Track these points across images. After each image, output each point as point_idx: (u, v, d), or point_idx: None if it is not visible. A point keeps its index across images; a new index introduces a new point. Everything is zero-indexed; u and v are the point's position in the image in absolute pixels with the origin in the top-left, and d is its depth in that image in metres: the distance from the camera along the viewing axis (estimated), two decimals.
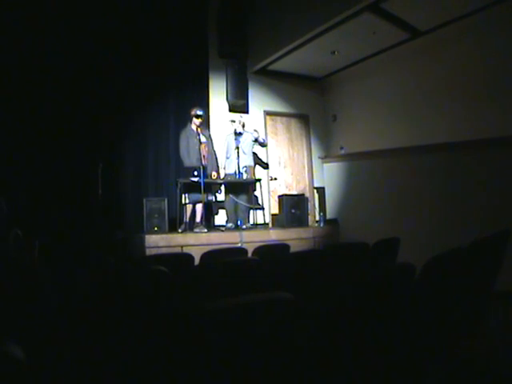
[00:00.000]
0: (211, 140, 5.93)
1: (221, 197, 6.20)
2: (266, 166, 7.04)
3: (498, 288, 2.13)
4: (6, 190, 4.52)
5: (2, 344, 0.67)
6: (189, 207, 5.60)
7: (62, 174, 5.25)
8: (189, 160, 5.52)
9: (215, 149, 6.01)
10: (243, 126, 6.02)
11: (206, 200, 5.47)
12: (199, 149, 5.53)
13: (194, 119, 5.63)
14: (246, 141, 5.96)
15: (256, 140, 5.99)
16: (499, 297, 2.34)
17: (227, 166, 5.98)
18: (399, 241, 2.94)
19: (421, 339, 1.45)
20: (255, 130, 6.08)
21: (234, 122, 6.03)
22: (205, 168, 5.41)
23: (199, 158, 5.49)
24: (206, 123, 6.18)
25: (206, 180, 5.33)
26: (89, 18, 5.51)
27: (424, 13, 5.22)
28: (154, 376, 1.31)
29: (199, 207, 5.55)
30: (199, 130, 5.61)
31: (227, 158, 5.98)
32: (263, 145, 6.28)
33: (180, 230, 5.36)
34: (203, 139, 5.63)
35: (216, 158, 5.93)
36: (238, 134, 5.93)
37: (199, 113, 5.65)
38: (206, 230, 5.26)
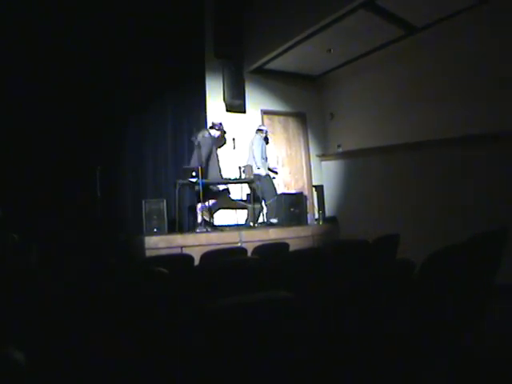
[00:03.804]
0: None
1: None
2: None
3: (500, 282, 2.12)
4: (2, 194, 4.50)
5: (2, 347, 0.67)
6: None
7: (60, 177, 5.23)
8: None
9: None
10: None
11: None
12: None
13: (221, 132, 6.25)
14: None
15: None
16: (500, 291, 2.34)
17: (263, 167, 6.25)
18: (399, 237, 2.95)
19: (421, 336, 1.45)
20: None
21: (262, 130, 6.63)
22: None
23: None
24: (204, 127, 6.38)
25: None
26: (87, 19, 5.50)
27: (419, 9, 5.22)
28: (156, 375, 1.31)
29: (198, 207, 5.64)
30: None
31: (264, 158, 6.35)
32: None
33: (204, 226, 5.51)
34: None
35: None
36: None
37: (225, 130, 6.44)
38: (207, 230, 5.35)
